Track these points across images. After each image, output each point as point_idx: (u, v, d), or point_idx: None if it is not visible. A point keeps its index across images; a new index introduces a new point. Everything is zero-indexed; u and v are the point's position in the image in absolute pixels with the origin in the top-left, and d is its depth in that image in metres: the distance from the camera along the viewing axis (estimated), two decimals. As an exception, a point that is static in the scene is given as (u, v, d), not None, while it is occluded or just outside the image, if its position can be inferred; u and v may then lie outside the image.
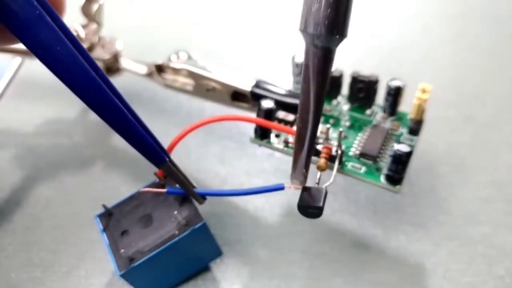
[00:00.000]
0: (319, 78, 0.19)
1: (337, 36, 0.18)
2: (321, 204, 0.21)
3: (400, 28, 0.42)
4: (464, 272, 0.25)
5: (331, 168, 0.23)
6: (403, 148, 0.22)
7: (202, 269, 0.26)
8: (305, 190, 0.21)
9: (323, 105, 0.20)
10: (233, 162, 0.32)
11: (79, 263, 0.27)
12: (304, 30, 0.18)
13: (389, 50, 0.40)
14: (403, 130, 0.26)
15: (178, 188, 0.23)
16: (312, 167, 0.23)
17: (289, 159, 0.31)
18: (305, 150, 0.20)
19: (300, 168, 0.21)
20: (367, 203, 0.28)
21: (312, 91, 0.19)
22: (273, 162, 0.31)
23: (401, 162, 0.22)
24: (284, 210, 0.28)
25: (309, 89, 0.19)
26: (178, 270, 0.25)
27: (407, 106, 0.26)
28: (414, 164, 0.29)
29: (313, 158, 0.24)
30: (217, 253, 0.25)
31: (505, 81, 0.36)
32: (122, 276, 0.22)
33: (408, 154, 0.22)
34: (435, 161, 0.30)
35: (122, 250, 0.22)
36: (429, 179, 0.29)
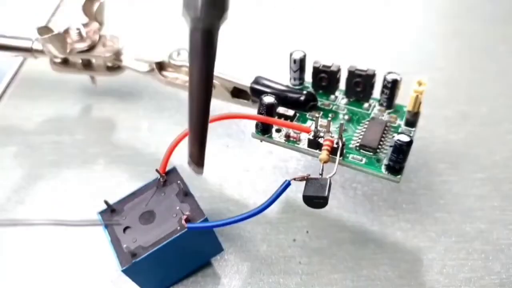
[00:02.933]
0: (202, 60, 0.19)
1: (215, 13, 0.18)
2: (326, 194, 0.21)
3: (397, 27, 0.43)
4: (461, 268, 0.25)
5: (333, 161, 0.23)
6: (404, 138, 0.22)
7: (203, 265, 0.26)
8: (309, 181, 0.22)
9: (210, 93, 0.19)
10: (233, 160, 0.32)
11: (81, 260, 0.27)
12: (183, 8, 0.18)
13: (386, 49, 0.40)
14: (401, 123, 0.26)
15: (199, 223, 0.23)
16: (316, 161, 0.23)
17: (289, 157, 0.31)
18: (196, 129, 0.20)
19: (196, 147, 0.20)
20: (365, 200, 0.29)
21: (196, 73, 0.19)
22: (272, 160, 0.32)
23: (401, 151, 0.22)
24: (283, 207, 0.29)
25: (192, 74, 0.19)
26: (180, 265, 0.25)
27: (404, 102, 0.27)
28: (411, 161, 0.30)
29: (315, 151, 0.24)
30: (218, 249, 0.26)
31: (500, 80, 0.36)
32: (124, 271, 0.22)
33: (409, 144, 0.22)
34: (432, 158, 0.31)
35: (124, 246, 0.22)
36: (426, 176, 0.30)
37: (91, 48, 0.33)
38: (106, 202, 0.24)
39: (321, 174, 0.22)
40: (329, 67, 0.27)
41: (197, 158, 0.21)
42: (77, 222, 0.25)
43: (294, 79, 0.28)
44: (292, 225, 0.28)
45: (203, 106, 0.20)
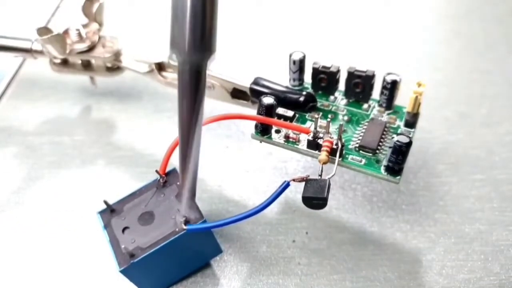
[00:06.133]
0: (191, 95, 0.19)
1: (202, 53, 0.18)
2: (325, 195, 0.21)
3: (397, 28, 0.43)
4: (460, 269, 0.25)
5: (332, 162, 0.23)
6: (403, 139, 0.22)
7: (202, 266, 0.26)
8: (309, 182, 0.22)
9: (200, 127, 0.20)
10: (232, 161, 0.32)
11: (81, 260, 0.27)
12: (171, 48, 0.19)
13: (386, 49, 0.40)
14: (400, 123, 0.26)
15: (197, 225, 0.23)
16: (315, 162, 0.23)
17: (288, 158, 0.31)
18: (190, 173, 0.21)
19: (189, 199, 0.22)
20: (364, 201, 0.29)
21: (186, 110, 0.19)
22: (271, 161, 0.32)
23: (401, 152, 0.22)
24: (282, 208, 0.29)
25: (182, 108, 0.19)
26: (178, 267, 0.25)
27: (403, 103, 0.27)
28: (410, 162, 0.30)
29: (314, 152, 0.24)
30: (217, 250, 0.26)
31: (499, 80, 0.36)
32: (122, 272, 0.22)
33: (408, 145, 0.22)
34: (431, 159, 0.31)
35: (123, 246, 0.22)
36: (425, 177, 0.30)
37: (91, 48, 0.33)
38: (105, 202, 0.24)
39: (320, 175, 0.22)
40: (329, 68, 0.27)
41: (190, 205, 0.22)
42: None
43: (294, 80, 0.29)
44: (292, 226, 0.28)
45: (195, 141, 0.20)
